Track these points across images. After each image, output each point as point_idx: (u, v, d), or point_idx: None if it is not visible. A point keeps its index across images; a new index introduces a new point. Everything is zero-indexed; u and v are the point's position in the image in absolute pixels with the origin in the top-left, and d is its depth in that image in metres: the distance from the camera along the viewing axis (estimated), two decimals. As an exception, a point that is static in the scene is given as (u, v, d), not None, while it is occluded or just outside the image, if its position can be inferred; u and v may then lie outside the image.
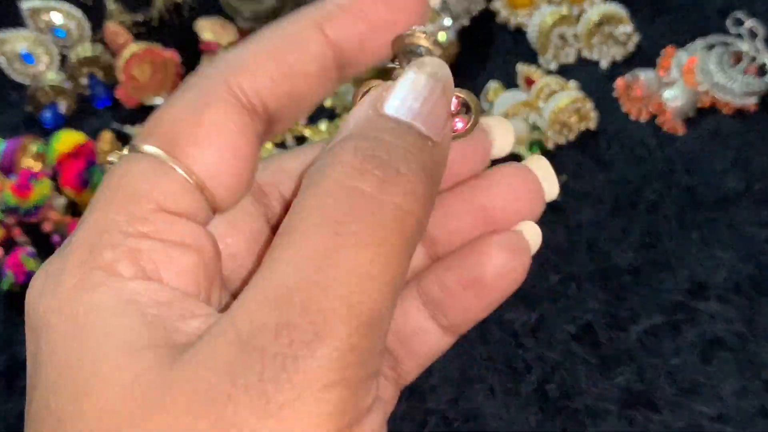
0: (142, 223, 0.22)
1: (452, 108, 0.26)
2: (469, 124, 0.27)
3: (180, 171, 0.23)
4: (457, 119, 0.27)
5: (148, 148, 0.23)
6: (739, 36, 0.72)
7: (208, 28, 0.73)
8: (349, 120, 0.24)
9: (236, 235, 0.25)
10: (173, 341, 0.21)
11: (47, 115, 0.71)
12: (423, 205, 0.22)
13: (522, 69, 0.73)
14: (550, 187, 0.30)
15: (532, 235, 0.29)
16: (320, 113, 0.72)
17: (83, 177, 0.65)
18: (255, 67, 0.24)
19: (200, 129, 0.23)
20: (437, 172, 0.23)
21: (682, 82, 0.70)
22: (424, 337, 0.29)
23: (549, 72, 0.74)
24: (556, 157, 0.68)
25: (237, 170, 0.23)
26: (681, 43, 0.73)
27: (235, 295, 0.24)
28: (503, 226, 0.29)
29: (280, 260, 0.21)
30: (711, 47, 0.72)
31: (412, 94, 0.23)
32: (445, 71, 0.25)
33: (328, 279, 0.20)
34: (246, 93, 0.24)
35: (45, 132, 0.70)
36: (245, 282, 0.24)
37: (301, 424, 0.19)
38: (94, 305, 0.21)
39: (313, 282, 0.20)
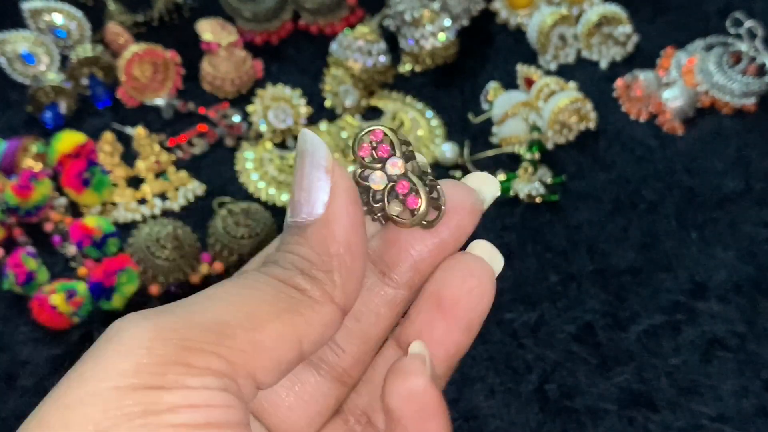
0: None
1: (423, 198, 0.30)
2: (437, 216, 0.31)
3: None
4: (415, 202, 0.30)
5: None
6: (739, 36, 0.72)
7: (208, 29, 0.74)
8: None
9: None
10: None
11: (48, 115, 0.71)
12: (310, 285, 0.28)
13: (522, 69, 0.73)
14: (497, 265, 0.32)
15: (492, 257, 0.32)
16: (320, 114, 0.73)
17: (84, 177, 0.65)
18: None
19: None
20: (339, 252, 0.29)
21: (681, 82, 0.71)
22: None
23: (549, 72, 0.74)
24: (555, 157, 0.69)
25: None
26: (680, 44, 0.73)
27: None
28: (456, 309, 0.32)
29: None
30: (710, 47, 0.72)
31: (294, 191, 0.29)
32: (309, 142, 0.29)
33: (204, 297, 0.27)
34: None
35: (46, 132, 0.70)
36: None
37: (105, 367, 0.25)
38: None
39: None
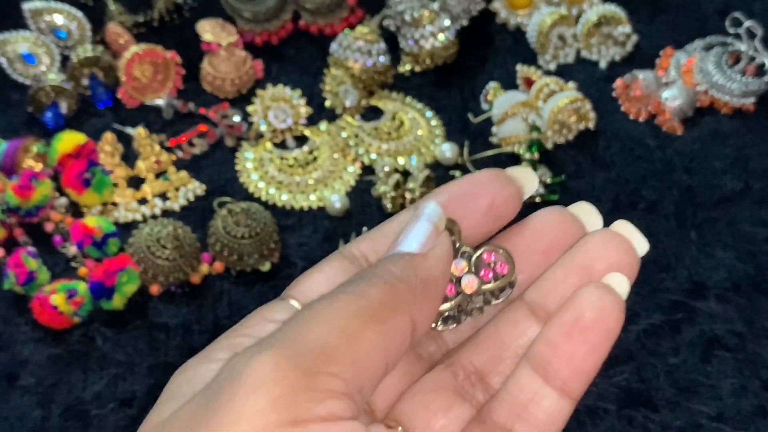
0: (245, 327, 0.31)
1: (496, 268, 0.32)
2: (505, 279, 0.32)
3: (291, 302, 0.31)
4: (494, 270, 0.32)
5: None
6: (738, 36, 0.72)
7: (208, 29, 0.74)
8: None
9: None
10: None
11: (48, 115, 0.71)
12: (390, 295, 0.29)
13: (521, 69, 0.73)
14: (641, 245, 0.33)
15: (621, 286, 0.32)
16: (320, 113, 0.73)
17: (84, 177, 0.65)
18: (365, 236, 0.33)
19: (311, 272, 0.32)
20: (424, 278, 0.30)
21: (680, 82, 0.71)
22: (540, 402, 0.31)
23: (548, 72, 0.74)
24: (555, 156, 0.69)
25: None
26: (680, 44, 0.74)
27: None
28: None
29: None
30: (710, 47, 0.72)
31: (409, 236, 0.31)
32: (434, 212, 0.31)
33: (300, 321, 0.28)
34: (352, 253, 0.32)
35: (46, 132, 0.70)
36: None
37: (242, 410, 0.25)
38: (188, 376, 0.30)
39: (292, 320, 0.28)
